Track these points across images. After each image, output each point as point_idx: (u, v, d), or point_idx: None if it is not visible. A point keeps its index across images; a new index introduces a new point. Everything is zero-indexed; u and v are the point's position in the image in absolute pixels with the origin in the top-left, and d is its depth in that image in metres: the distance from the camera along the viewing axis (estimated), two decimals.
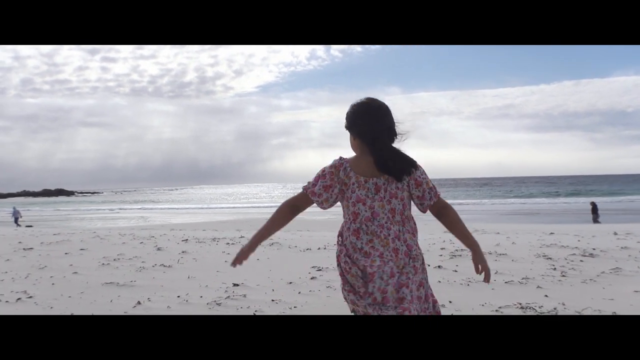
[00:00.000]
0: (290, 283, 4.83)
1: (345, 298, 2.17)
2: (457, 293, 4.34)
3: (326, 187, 2.13)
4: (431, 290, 2.16)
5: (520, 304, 3.90)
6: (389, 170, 2.09)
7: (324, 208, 2.18)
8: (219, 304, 4.06)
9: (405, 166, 2.12)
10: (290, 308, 3.94)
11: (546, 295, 4.20)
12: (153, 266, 5.84)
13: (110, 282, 4.93)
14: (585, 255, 6.08)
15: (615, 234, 8.78)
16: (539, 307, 3.80)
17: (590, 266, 5.43)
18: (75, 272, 5.51)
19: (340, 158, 2.17)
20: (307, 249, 7.17)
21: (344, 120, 2.25)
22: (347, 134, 2.27)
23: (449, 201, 2.28)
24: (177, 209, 46.88)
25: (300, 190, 2.20)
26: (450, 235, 9.08)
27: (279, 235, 9.25)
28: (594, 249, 6.52)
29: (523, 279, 4.83)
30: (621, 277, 4.92)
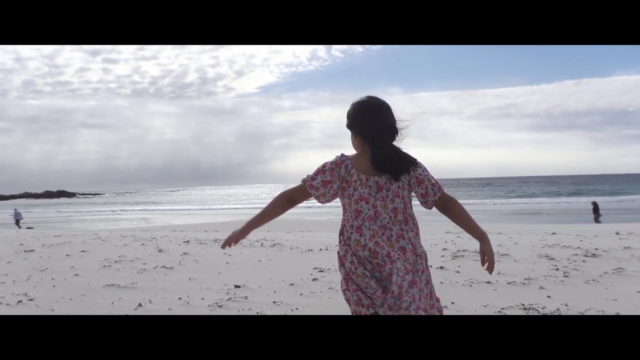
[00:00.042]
0: (292, 284, 4.81)
1: (348, 299, 2.14)
2: (459, 294, 4.32)
3: (325, 182, 2.13)
4: (434, 287, 2.17)
5: (522, 305, 3.88)
6: (385, 169, 2.09)
7: (321, 202, 2.19)
8: (220, 306, 4.05)
9: (403, 165, 2.11)
10: (292, 310, 3.93)
11: (549, 296, 4.18)
12: (154, 268, 5.83)
13: (112, 284, 4.92)
14: (587, 256, 6.06)
15: (618, 233, 8.75)
16: (542, 308, 3.78)
17: (593, 266, 5.41)
18: (77, 274, 5.50)
19: (342, 155, 2.18)
20: (309, 250, 7.16)
21: (345, 119, 2.24)
22: (348, 134, 2.26)
23: None
24: (179, 210, 46.91)
25: (299, 183, 2.19)
26: (452, 236, 9.07)
27: (280, 237, 9.24)
28: (596, 249, 6.50)
29: (525, 279, 4.81)
30: (624, 277, 4.90)
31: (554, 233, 9.29)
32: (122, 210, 47.31)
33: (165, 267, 5.85)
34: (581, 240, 7.59)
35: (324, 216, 19.26)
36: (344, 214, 2.18)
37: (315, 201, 2.19)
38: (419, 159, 2.19)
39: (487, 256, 2.15)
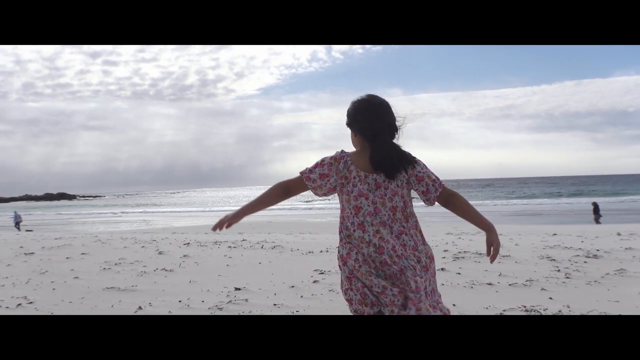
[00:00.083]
0: (293, 287, 4.80)
1: (350, 299, 2.10)
2: (460, 296, 4.30)
3: (322, 175, 2.13)
4: (436, 284, 2.18)
5: (524, 306, 3.86)
6: (384, 167, 2.09)
7: (318, 195, 2.20)
8: (220, 309, 4.03)
9: (400, 164, 2.10)
10: (293, 312, 3.91)
11: (551, 298, 4.16)
12: (154, 270, 5.81)
13: (112, 287, 4.90)
14: (589, 257, 6.03)
15: (619, 234, 8.73)
16: (544, 310, 3.76)
17: (595, 267, 5.39)
18: (76, 277, 5.48)
19: (342, 151, 2.18)
20: (309, 252, 7.14)
21: (345, 118, 2.24)
22: (349, 136, 2.26)
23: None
24: (179, 212, 46.91)
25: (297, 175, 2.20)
26: (453, 237, 9.04)
27: (280, 238, 9.23)
28: (597, 250, 6.48)
29: (527, 281, 4.79)
30: (626, 278, 4.88)
31: (555, 234, 9.27)
32: (122, 213, 47.34)
33: (166, 270, 5.84)
34: (582, 241, 7.57)
35: (325, 218, 19.25)
36: (342, 212, 2.16)
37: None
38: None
39: (493, 246, 2.15)
